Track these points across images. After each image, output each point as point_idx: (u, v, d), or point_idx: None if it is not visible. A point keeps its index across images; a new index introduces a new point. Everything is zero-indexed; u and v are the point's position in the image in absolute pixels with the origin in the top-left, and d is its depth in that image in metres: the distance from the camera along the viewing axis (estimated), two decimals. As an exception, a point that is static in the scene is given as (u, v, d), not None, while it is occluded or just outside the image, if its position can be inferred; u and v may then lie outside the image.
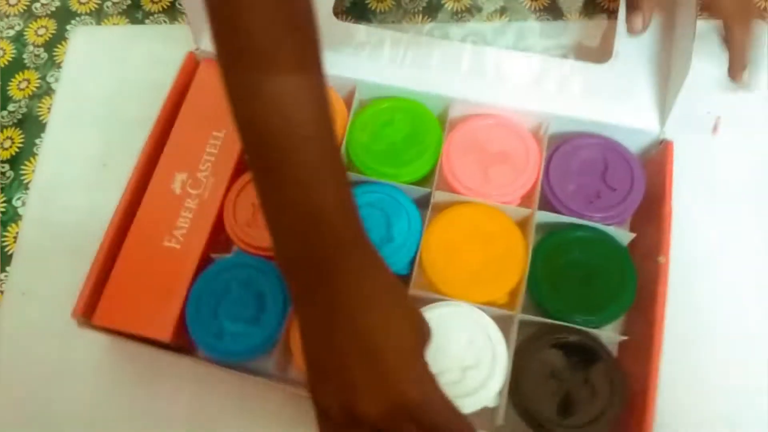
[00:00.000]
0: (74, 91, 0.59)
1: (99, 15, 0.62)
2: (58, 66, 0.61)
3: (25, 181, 0.57)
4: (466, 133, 0.49)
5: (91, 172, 0.56)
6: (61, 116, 0.58)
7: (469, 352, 0.42)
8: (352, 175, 0.48)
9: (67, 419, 0.48)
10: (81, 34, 0.62)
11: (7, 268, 0.54)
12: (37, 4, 0.64)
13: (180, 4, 0.46)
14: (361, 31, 0.51)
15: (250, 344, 0.43)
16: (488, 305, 0.44)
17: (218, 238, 0.48)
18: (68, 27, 0.63)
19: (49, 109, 0.59)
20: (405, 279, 0.46)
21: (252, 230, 0.46)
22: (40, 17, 0.64)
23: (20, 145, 0.59)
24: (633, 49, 0.50)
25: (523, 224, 0.47)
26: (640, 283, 0.44)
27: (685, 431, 0.44)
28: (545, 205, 0.47)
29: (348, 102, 0.51)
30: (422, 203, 0.48)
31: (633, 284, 0.44)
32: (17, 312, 0.52)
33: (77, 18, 0.63)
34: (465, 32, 0.59)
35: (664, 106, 0.47)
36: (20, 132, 0.59)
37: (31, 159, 0.58)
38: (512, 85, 0.49)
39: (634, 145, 0.48)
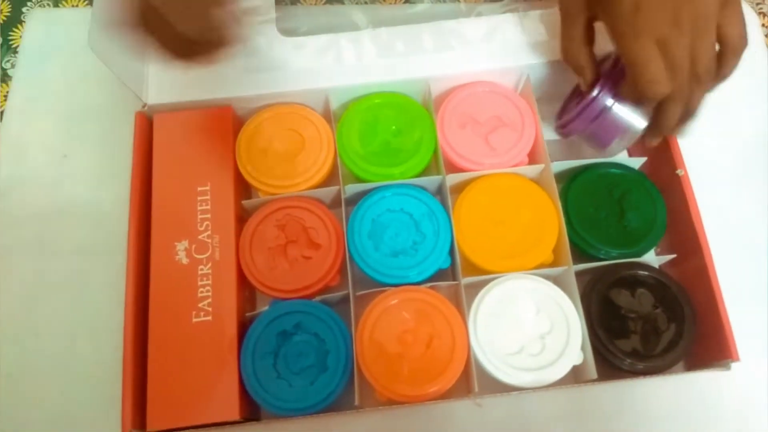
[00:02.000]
0: (32, 77, 0.55)
1: None
2: (15, 51, 0.56)
3: None
4: (454, 108, 0.48)
5: (51, 164, 0.52)
6: (18, 105, 0.54)
7: (541, 320, 0.42)
8: (358, 186, 0.46)
9: None
10: (38, 16, 0.58)
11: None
12: None
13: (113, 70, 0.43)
14: (311, 40, 0.48)
15: (326, 390, 0.40)
16: (538, 268, 0.44)
17: (244, 295, 0.44)
18: (24, 9, 0.57)
19: (5, 96, 0.55)
20: (449, 270, 0.45)
21: (278, 273, 0.43)
22: None
23: None
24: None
25: (541, 180, 0.46)
26: (666, 201, 0.45)
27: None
28: (553, 154, 0.47)
29: (326, 115, 0.48)
30: (437, 192, 0.47)
31: (663, 205, 0.45)
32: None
33: None
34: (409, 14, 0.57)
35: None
36: None
37: None
38: (480, 49, 0.48)
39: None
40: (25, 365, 0.47)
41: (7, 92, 0.54)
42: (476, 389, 0.40)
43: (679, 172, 0.44)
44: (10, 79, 0.56)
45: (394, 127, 0.48)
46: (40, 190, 0.52)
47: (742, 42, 0.39)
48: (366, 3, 0.58)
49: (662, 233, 0.45)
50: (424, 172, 0.47)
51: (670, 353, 0.42)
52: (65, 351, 0.47)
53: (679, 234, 0.45)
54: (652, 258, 0.45)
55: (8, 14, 0.58)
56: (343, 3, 0.58)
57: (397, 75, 0.47)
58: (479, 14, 0.52)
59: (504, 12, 0.50)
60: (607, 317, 0.43)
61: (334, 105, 0.48)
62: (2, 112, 0.54)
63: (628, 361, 0.41)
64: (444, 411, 0.44)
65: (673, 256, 0.44)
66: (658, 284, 0.43)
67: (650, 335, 0.42)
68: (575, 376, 0.43)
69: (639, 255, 0.44)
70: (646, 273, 0.43)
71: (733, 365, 0.41)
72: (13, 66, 0.56)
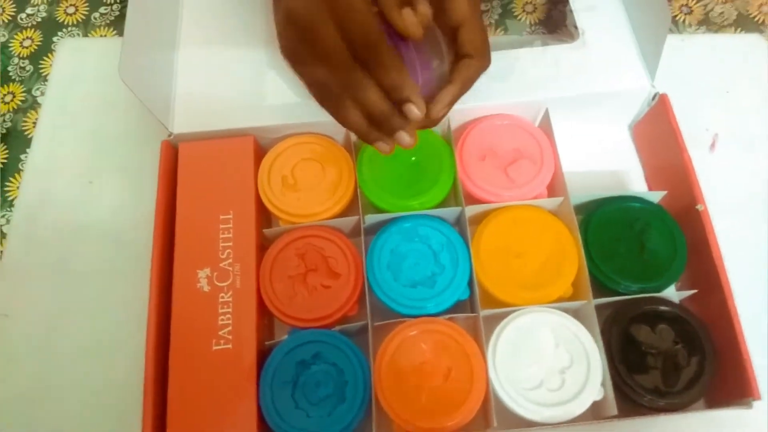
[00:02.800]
0: (60, 105, 0.57)
1: (86, 26, 0.60)
2: (45, 79, 0.58)
3: (10, 198, 0.55)
4: (474, 140, 0.48)
5: (76, 189, 0.54)
6: (46, 131, 0.56)
7: (561, 354, 0.42)
8: (378, 216, 0.46)
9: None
10: (68, 46, 0.60)
11: (-9, 289, 0.51)
12: (23, 15, 0.61)
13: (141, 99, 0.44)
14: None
15: (344, 422, 0.40)
16: (558, 302, 0.44)
17: (264, 323, 0.45)
18: (55, 39, 0.60)
19: (34, 123, 0.57)
20: (468, 302, 0.45)
21: (297, 302, 0.44)
22: (25, 28, 0.61)
23: (4, 160, 0.56)
24: (595, 23, 0.51)
25: (560, 213, 0.47)
26: (686, 236, 0.45)
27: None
28: (572, 186, 0.47)
29: (347, 146, 0.49)
30: (456, 223, 0.47)
31: (683, 240, 0.45)
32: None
33: (64, 29, 0.60)
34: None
35: (647, 63, 0.49)
36: (4, 147, 0.57)
37: (16, 175, 0.56)
38: (499, 83, 0.49)
39: (632, 105, 0.50)
40: (45, 388, 0.47)
41: (37, 119, 0.56)
42: (495, 423, 0.40)
43: (699, 207, 0.44)
44: (40, 107, 0.57)
45: (413, 159, 0.48)
46: (65, 214, 0.53)
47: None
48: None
49: (682, 268, 0.44)
50: (444, 203, 0.47)
51: (691, 390, 0.41)
52: (86, 375, 0.47)
53: (700, 269, 0.44)
54: (672, 293, 0.44)
55: (39, 43, 0.60)
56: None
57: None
58: (498, 49, 0.53)
59: (522, 46, 0.51)
60: (628, 352, 0.42)
61: (355, 136, 0.49)
62: (31, 138, 0.56)
63: (648, 397, 0.41)
64: (461, 444, 0.43)
65: (694, 291, 0.44)
66: (679, 320, 0.43)
67: (671, 371, 0.42)
68: (594, 412, 0.43)
69: (659, 290, 0.44)
70: (666, 308, 0.43)
71: (755, 404, 0.40)
72: (42, 94, 0.58)
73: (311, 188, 0.47)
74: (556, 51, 0.50)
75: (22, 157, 0.56)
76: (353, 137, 0.48)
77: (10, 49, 0.60)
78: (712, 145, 0.54)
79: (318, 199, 0.47)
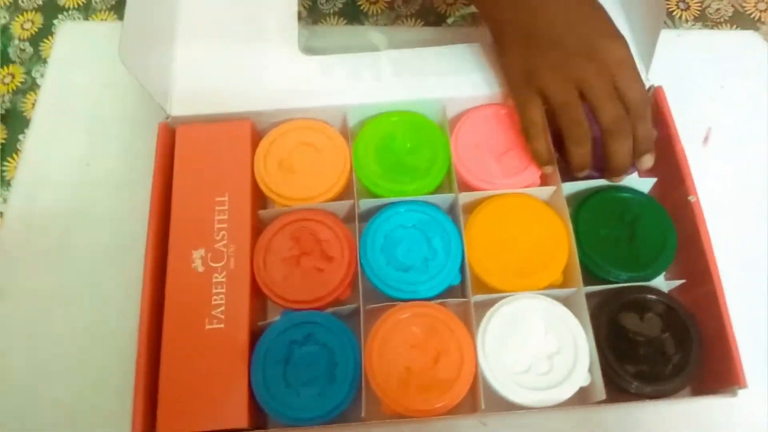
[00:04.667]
0: (59, 87, 0.57)
1: (87, 10, 0.61)
2: (44, 61, 0.59)
3: (7, 178, 0.56)
4: (469, 128, 0.49)
5: (74, 171, 0.54)
6: (45, 113, 0.56)
7: (550, 340, 0.43)
8: (372, 201, 0.46)
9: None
10: (68, 29, 0.60)
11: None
12: None
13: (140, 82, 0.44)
14: (332, 59, 0.50)
15: (334, 402, 0.41)
16: (548, 289, 0.44)
17: (257, 304, 0.45)
18: (55, 21, 0.62)
19: (33, 104, 0.57)
20: (459, 288, 0.45)
21: (290, 284, 0.44)
22: (26, 11, 0.63)
23: (3, 140, 0.57)
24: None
25: (552, 201, 0.47)
26: (677, 227, 0.46)
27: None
28: (565, 175, 0.47)
29: (344, 132, 0.49)
30: (450, 210, 0.48)
31: (673, 230, 0.46)
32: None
33: (65, 12, 0.62)
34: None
35: (642, 56, 0.49)
36: (3, 127, 0.58)
37: (14, 155, 0.57)
38: (496, 72, 0.49)
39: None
40: (39, 368, 0.48)
41: (36, 100, 0.57)
42: (483, 406, 0.40)
43: (691, 198, 0.45)
44: (39, 88, 0.58)
45: (409, 145, 0.49)
46: (62, 195, 0.53)
47: (642, 100, 0.43)
48: (386, 25, 0.60)
49: (672, 258, 0.45)
50: (438, 190, 0.48)
51: (677, 378, 0.42)
52: (79, 355, 0.48)
53: (689, 260, 0.45)
54: (661, 282, 0.45)
55: (40, 26, 0.60)
56: (363, 24, 0.60)
57: (413, 95, 0.49)
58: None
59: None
60: (616, 340, 0.43)
61: (352, 122, 0.49)
62: (30, 119, 0.56)
63: (635, 383, 0.42)
64: (449, 427, 0.44)
65: (683, 281, 0.45)
66: (667, 309, 0.43)
67: (658, 359, 0.42)
68: (582, 397, 0.43)
69: (648, 279, 0.45)
70: (654, 297, 0.44)
71: (740, 392, 0.41)
72: (42, 76, 0.59)
73: (307, 172, 0.47)
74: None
75: (21, 137, 0.56)
76: (350, 123, 0.49)
77: (11, 31, 0.61)
78: (706, 139, 0.54)
79: (314, 183, 0.47)
